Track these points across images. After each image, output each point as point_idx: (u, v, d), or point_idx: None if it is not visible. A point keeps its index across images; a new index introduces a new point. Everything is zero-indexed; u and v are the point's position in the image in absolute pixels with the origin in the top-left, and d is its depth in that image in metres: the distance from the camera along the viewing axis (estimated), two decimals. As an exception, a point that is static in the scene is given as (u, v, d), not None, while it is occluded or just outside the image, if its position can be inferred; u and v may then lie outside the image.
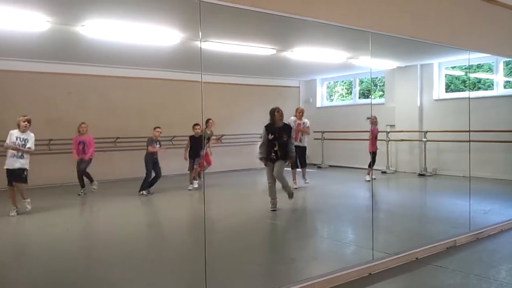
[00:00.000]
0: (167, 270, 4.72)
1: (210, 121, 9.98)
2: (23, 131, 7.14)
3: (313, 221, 7.32)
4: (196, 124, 9.41)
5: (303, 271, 4.62)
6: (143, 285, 4.23)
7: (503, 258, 5.06)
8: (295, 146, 7.97)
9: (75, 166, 8.81)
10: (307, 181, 9.44)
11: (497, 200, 8.06)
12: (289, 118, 9.18)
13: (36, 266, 4.99)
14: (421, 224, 6.76)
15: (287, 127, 7.36)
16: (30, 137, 7.19)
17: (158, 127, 9.30)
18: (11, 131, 7.13)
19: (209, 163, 10.11)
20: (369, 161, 10.10)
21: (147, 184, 9.09)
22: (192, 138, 9.55)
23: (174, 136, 11.22)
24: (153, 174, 9.15)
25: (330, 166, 12.81)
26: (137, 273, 4.58)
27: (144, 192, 9.01)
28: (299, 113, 9.37)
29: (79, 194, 8.76)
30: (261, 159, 7.32)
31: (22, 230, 6.79)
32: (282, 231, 6.67)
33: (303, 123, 9.35)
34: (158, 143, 9.26)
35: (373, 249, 4.81)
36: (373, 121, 10.14)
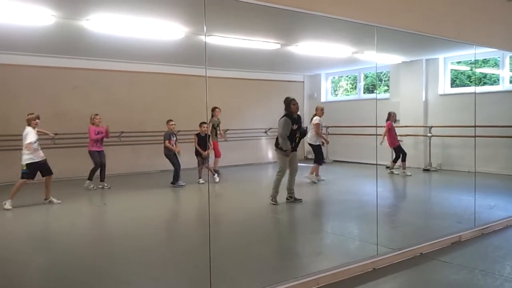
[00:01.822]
0: (173, 264, 4.75)
1: (217, 109, 10.06)
2: (34, 127, 7.33)
3: (318, 216, 7.32)
4: (203, 122, 9.41)
5: (308, 266, 4.63)
6: (149, 279, 4.25)
7: (508, 253, 5.05)
8: (316, 145, 9.23)
9: (94, 158, 8.88)
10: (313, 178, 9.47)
11: (502, 196, 8.03)
12: (315, 118, 9.44)
13: (40, 260, 5.02)
14: (425, 219, 6.75)
15: (300, 118, 7.51)
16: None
17: (171, 120, 9.38)
18: (28, 130, 7.24)
19: (218, 155, 10.22)
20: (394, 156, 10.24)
21: (178, 176, 9.25)
22: (198, 135, 9.57)
23: (178, 131, 11.23)
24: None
25: (335, 161, 12.80)
26: (142, 267, 4.60)
27: (180, 182, 9.21)
28: (321, 111, 9.56)
29: (91, 189, 8.89)
30: (286, 150, 7.24)
31: (27, 223, 6.82)
32: (287, 226, 6.67)
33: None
34: (174, 136, 9.34)
35: (377, 244, 4.80)
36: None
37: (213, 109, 10.11)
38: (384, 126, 10.29)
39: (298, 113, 7.41)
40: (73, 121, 9.98)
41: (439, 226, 6.09)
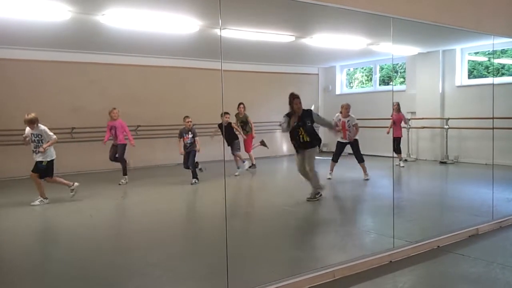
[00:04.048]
0: (190, 256, 4.80)
1: (241, 105, 10.07)
2: (32, 128, 7.07)
3: (334, 208, 7.31)
4: (226, 113, 9.34)
5: (324, 258, 4.63)
6: (165, 270, 4.30)
7: (527, 246, 4.99)
8: (341, 142, 8.96)
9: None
10: (367, 177, 9.13)
11: (521, 188, 7.91)
12: (335, 115, 9.06)
13: (57, 254, 5.11)
14: (442, 212, 6.70)
15: (308, 113, 7.04)
16: (42, 130, 7.06)
17: (188, 117, 9.13)
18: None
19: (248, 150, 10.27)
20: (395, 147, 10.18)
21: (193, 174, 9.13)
22: (219, 126, 9.58)
23: (193, 124, 11.27)
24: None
25: (350, 154, 12.70)
26: (160, 259, 4.65)
27: (195, 180, 9.04)
28: (345, 110, 8.99)
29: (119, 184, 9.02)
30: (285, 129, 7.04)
31: (46, 218, 6.94)
32: (303, 218, 6.68)
33: (348, 120, 9.02)
34: (190, 133, 9.13)
35: (394, 237, 4.79)
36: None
37: (238, 106, 10.16)
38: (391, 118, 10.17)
39: (308, 108, 7.10)
40: (90, 115, 10.10)
41: (456, 219, 6.04)
